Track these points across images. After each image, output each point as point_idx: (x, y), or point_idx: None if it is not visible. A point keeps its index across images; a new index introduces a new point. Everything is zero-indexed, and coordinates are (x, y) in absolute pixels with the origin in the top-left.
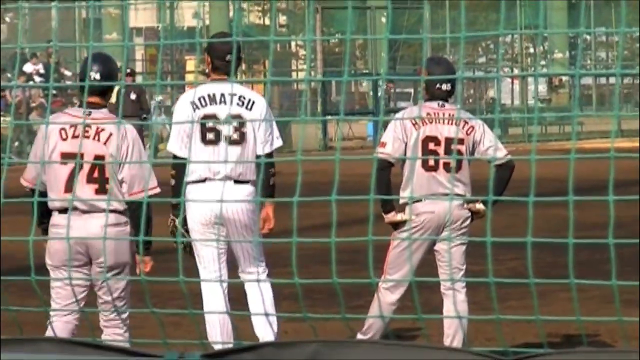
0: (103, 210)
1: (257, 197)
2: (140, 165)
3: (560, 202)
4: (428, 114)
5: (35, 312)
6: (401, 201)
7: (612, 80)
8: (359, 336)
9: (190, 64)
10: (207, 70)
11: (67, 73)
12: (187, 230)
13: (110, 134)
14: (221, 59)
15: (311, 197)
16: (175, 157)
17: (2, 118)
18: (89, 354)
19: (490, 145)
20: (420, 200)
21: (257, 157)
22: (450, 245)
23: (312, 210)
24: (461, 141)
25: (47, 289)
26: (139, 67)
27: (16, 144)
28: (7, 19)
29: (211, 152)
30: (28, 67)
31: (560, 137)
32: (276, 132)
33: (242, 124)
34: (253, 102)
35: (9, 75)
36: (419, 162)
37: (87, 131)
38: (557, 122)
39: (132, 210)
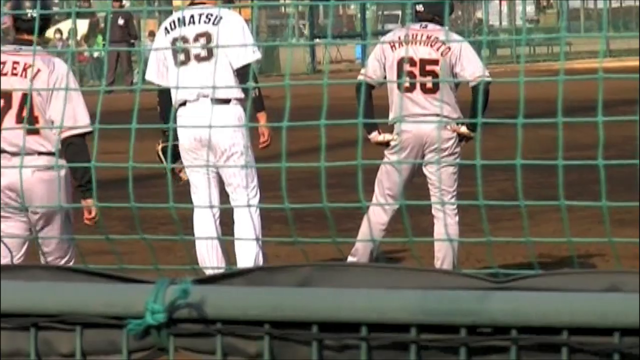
0: (34, 153)
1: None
2: (70, 102)
3: (549, 123)
4: (406, 35)
5: None
6: (389, 122)
7: (599, 1)
8: (349, 258)
9: None
10: None
11: None
12: (177, 155)
13: (39, 70)
14: None
15: (299, 122)
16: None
17: None
18: (80, 280)
19: (467, 68)
20: (401, 121)
21: (236, 71)
22: (436, 167)
23: (301, 134)
24: (435, 62)
25: None
26: None
27: None
28: None
29: (185, 73)
30: None
31: (549, 58)
32: (252, 47)
33: (209, 41)
34: (220, 18)
35: None
36: (395, 84)
37: (15, 68)
38: (546, 42)
39: (66, 151)
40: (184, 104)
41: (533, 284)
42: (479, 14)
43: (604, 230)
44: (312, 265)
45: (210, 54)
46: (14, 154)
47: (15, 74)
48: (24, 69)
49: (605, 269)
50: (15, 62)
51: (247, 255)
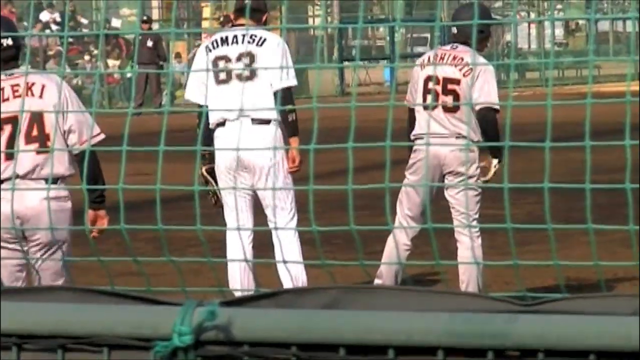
0: (42, 179)
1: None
2: (82, 112)
3: (577, 146)
4: (435, 55)
5: None
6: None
7: (628, 23)
8: (375, 281)
9: (207, 10)
10: (224, 18)
11: (84, 21)
12: (215, 177)
13: (43, 85)
14: (241, 9)
15: (327, 145)
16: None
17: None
18: (106, 302)
19: (477, 93)
20: (422, 138)
21: (275, 94)
22: (455, 191)
23: (329, 156)
24: (457, 81)
25: None
26: (155, 14)
27: None
28: None
29: (225, 91)
30: (45, 16)
31: (578, 81)
32: (292, 71)
33: (252, 61)
34: (264, 40)
35: (25, 23)
36: (420, 102)
37: (16, 90)
38: (574, 65)
39: (89, 159)
40: (222, 123)
41: (560, 307)
42: (508, 37)
43: (633, 254)
44: (339, 287)
45: (252, 74)
46: (23, 177)
47: (19, 96)
48: (28, 88)
49: (633, 292)
50: (14, 85)
51: (291, 277)
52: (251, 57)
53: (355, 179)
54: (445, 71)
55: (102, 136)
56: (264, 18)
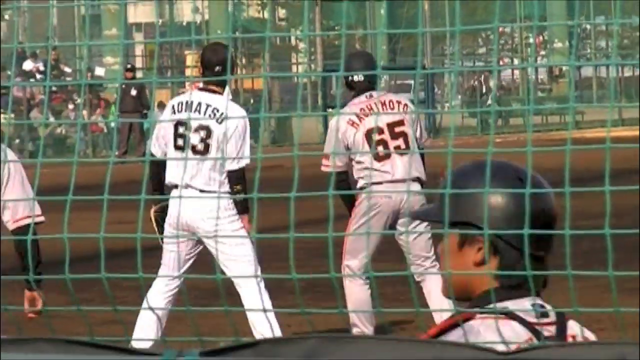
0: None
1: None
2: (23, 190)
3: (558, 192)
4: (361, 109)
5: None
6: (359, 185)
7: (612, 69)
8: (354, 330)
9: (190, 58)
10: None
11: (67, 70)
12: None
13: None
14: (211, 70)
15: (307, 192)
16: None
17: (2, 115)
18: (86, 353)
19: (422, 129)
20: (380, 184)
21: (229, 172)
22: (409, 236)
23: (312, 203)
24: (401, 122)
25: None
26: (139, 62)
27: (17, 141)
28: (7, 17)
29: (180, 157)
30: (28, 65)
31: (561, 127)
32: (247, 151)
33: (208, 136)
34: (224, 117)
35: (9, 72)
36: (371, 157)
37: None
38: (558, 111)
39: (19, 239)
40: (175, 186)
41: (540, 355)
42: (491, 84)
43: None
44: (319, 337)
45: (206, 149)
46: None
47: None
48: None
49: (615, 339)
50: None
51: (261, 328)
52: (208, 131)
53: (336, 227)
54: (387, 117)
55: (42, 219)
56: (232, 73)
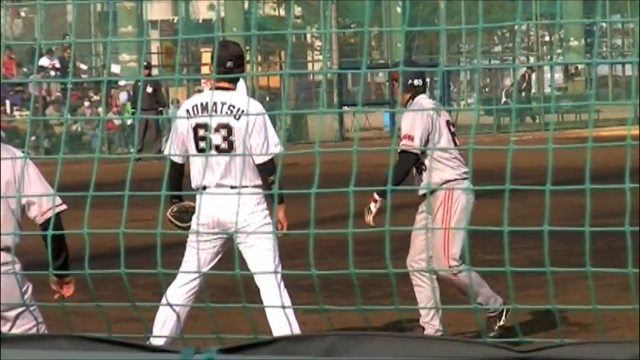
0: None
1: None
2: (42, 184)
3: (577, 190)
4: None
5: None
6: (446, 177)
7: (627, 68)
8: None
9: (206, 56)
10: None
11: (83, 67)
12: (188, 219)
13: None
14: (222, 66)
15: (328, 189)
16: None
17: (19, 113)
18: (104, 350)
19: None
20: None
21: (258, 165)
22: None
23: (330, 201)
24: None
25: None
26: (155, 60)
27: (33, 138)
28: (23, 14)
29: (203, 160)
30: (44, 62)
31: (577, 125)
32: (273, 139)
33: (229, 133)
34: (242, 112)
35: (24, 70)
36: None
37: None
38: (574, 110)
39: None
40: (203, 188)
41: (556, 353)
42: (508, 82)
43: (632, 298)
44: (337, 334)
45: (230, 147)
46: None
47: None
48: None
49: (632, 338)
50: None
51: (289, 322)
52: (229, 129)
53: (356, 224)
54: (447, 114)
55: (64, 207)
56: (242, 69)
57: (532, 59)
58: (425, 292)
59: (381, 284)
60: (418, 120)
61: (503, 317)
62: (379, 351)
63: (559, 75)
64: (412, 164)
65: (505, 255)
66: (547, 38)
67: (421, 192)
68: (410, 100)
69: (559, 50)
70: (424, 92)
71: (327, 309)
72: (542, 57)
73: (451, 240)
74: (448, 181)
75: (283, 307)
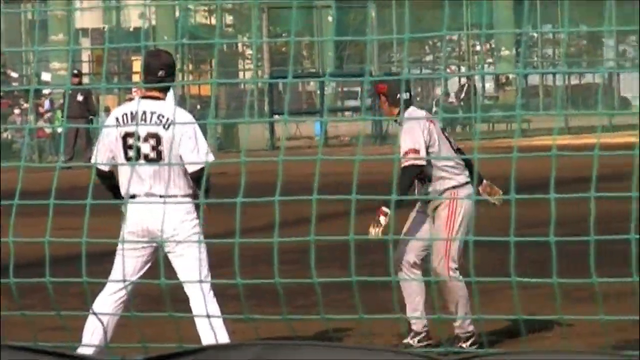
0: None
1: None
2: None
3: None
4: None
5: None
6: (449, 185)
7: (558, 77)
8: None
9: (137, 64)
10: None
11: (14, 75)
12: None
13: None
14: (153, 75)
15: (254, 198)
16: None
17: None
18: (28, 358)
19: None
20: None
21: (191, 174)
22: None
23: (258, 210)
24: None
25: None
26: (85, 68)
27: None
28: None
29: (132, 169)
30: None
31: (507, 135)
32: (204, 148)
33: (159, 142)
34: (171, 123)
35: None
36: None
37: None
38: (505, 120)
39: None
40: (132, 197)
41: None
42: (438, 91)
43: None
44: (263, 343)
45: (159, 156)
46: None
47: None
48: None
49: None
50: None
51: (213, 332)
52: (157, 139)
53: (286, 233)
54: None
55: None
56: (173, 78)
57: (463, 69)
58: (413, 286)
59: (309, 293)
60: (418, 133)
61: (468, 342)
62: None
63: (489, 85)
64: (415, 176)
65: (431, 264)
66: (478, 47)
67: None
68: (399, 115)
69: (490, 60)
70: (411, 104)
71: (253, 318)
72: (472, 66)
73: (452, 243)
74: (454, 187)
75: (208, 316)
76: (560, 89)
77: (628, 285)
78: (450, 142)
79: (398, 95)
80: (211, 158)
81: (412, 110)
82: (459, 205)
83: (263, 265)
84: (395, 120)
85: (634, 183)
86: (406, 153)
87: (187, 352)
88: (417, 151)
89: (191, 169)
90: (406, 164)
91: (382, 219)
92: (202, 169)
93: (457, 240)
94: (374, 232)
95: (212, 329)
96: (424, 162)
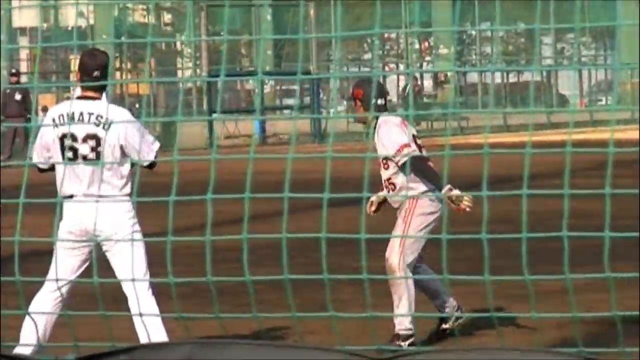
0: None
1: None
2: None
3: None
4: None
5: None
6: (423, 189)
7: (497, 75)
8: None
9: (75, 63)
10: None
11: None
12: None
13: None
14: (89, 75)
15: (187, 197)
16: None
17: None
18: None
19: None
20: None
21: (148, 167)
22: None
23: (194, 209)
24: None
25: None
26: (23, 67)
27: None
28: None
29: (70, 169)
30: None
31: (445, 133)
32: (150, 139)
33: (98, 143)
34: (110, 123)
35: None
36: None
37: None
38: (443, 118)
39: None
40: (70, 197)
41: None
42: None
43: (502, 304)
44: (194, 342)
45: (98, 157)
46: None
47: None
48: None
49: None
50: None
51: (147, 331)
52: (97, 139)
53: (221, 231)
54: (413, 129)
55: None
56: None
57: (401, 67)
58: (401, 286)
59: (247, 292)
60: (401, 131)
61: (407, 342)
62: (236, 358)
63: (428, 83)
64: (423, 160)
65: (363, 263)
66: (416, 46)
67: (395, 205)
68: (375, 120)
69: (429, 58)
70: (386, 110)
71: (185, 317)
72: (411, 64)
73: (408, 245)
74: (422, 192)
75: (141, 314)
76: (494, 87)
77: (559, 283)
78: (420, 149)
79: (374, 101)
80: (157, 144)
81: (388, 117)
82: (418, 206)
83: (202, 264)
84: (364, 123)
85: (565, 181)
86: (400, 148)
87: (117, 351)
88: (408, 145)
89: (147, 160)
90: (404, 160)
91: (374, 198)
92: (155, 156)
93: (414, 241)
94: (369, 210)
95: (150, 328)
96: (417, 153)
